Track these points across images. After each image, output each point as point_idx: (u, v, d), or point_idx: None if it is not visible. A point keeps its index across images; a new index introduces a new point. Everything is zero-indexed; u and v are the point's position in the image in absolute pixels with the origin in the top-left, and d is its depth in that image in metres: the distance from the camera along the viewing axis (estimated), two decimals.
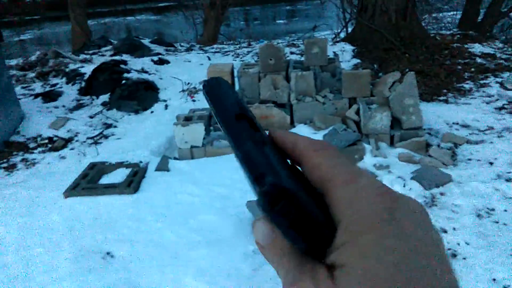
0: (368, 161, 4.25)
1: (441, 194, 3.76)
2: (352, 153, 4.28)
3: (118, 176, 4.18)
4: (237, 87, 5.31)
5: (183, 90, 6.42)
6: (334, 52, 7.37)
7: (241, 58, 8.24)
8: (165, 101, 6.24)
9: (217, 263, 3.05)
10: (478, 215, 3.48)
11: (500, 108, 5.64)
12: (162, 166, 4.27)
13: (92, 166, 4.38)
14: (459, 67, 6.92)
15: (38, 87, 6.98)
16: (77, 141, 5.43)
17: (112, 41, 10.08)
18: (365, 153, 4.33)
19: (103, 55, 8.41)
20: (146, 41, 9.43)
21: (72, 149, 5.24)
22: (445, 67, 6.87)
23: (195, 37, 12.71)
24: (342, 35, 9.69)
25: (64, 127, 5.72)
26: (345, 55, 7.48)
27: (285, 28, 17.75)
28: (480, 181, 3.93)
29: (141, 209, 3.70)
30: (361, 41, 8.07)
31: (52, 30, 19.77)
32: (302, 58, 5.45)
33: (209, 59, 8.16)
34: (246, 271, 2.96)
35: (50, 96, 6.53)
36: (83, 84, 6.80)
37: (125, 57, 7.81)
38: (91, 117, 6.03)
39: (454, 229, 3.31)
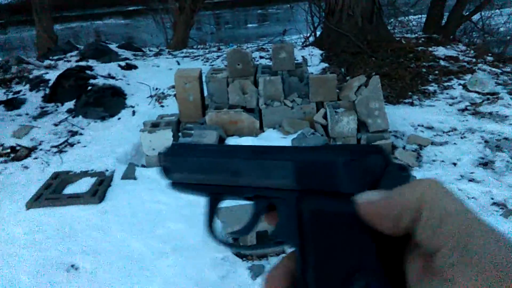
0: None
1: None
2: None
3: (83, 185, 4.08)
4: (206, 93, 5.28)
5: (151, 96, 6.34)
6: (302, 57, 7.43)
7: (210, 62, 8.20)
8: (132, 107, 6.14)
9: (185, 272, 3.01)
10: None
11: (463, 110, 5.80)
12: (129, 174, 4.19)
13: (56, 175, 4.26)
14: (424, 70, 7.08)
15: (0, 94, 6.75)
16: (41, 149, 5.27)
17: (78, 46, 9.87)
18: None
19: (68, 61, 8.22)
20: (113, 46, 9.26)
21: (35, 158, 5.08)
22: (410, 70, 7.02)
23: (165, 41, 12.58)
24: (312, 39, 9.78)
25: (28, 135, 5.55)
26: (314, 59, 7.55)
27: (256, 32, 17.82)
28: (444, 181, 4.01)
29: (106, 219, 3.62)
30: (329, 45, 8.16)
31: (17, 34, 19.22)
32: (271, 63, 5.47)
33: (178, 63, 8.09)
34: (213, 279, 2.94)
35: (13, 104, 6.33)
36: (48, 91, 6.61)
37: (91, 62, 7.65)
38: (55, 124, 5.87)
39: None
